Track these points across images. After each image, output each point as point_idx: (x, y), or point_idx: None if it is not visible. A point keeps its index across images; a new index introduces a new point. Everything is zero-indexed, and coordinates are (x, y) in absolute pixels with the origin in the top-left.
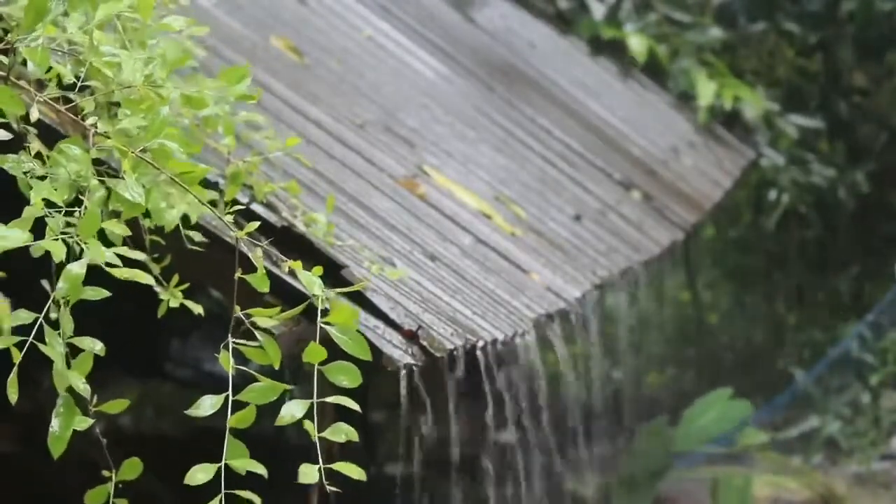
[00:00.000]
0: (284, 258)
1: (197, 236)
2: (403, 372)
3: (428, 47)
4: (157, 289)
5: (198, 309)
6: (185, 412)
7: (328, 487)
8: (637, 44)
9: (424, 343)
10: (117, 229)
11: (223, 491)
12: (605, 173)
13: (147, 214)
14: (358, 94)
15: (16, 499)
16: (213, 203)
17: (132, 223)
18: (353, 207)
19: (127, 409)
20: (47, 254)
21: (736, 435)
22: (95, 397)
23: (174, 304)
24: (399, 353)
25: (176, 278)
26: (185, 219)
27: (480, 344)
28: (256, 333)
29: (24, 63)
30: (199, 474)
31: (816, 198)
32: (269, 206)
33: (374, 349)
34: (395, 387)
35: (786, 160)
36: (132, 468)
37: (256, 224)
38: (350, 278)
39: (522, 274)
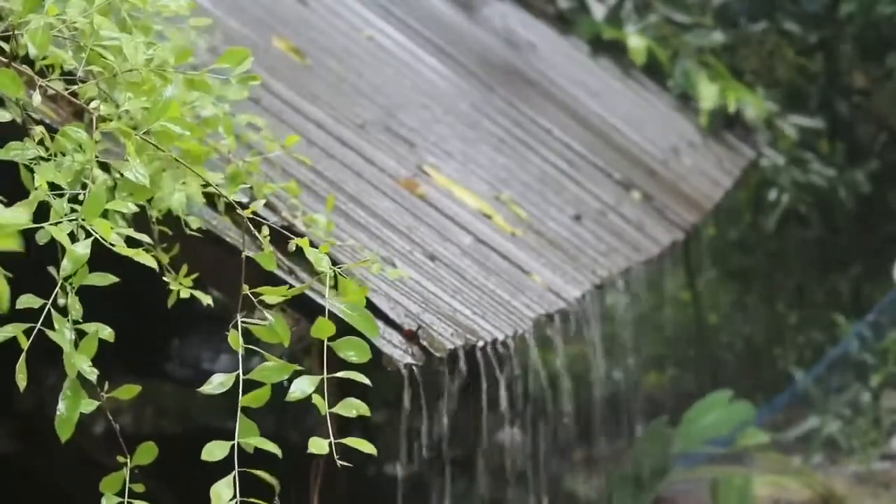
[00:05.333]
0: (289, 242)
1: (196, 222)
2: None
3: (428, 47)
4: (166, 278)
5: (207, 299)
6: (198, 390)
7: (339, 462)
8: (637, 44)
9: (424, 343)
10: (124, 208)
11: (237, 469)
12: (605, 173)
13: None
14: (358, 94)
15: (16, 499)
16: (212, 201)
17: (138, 215)
18: (353, 207)
19: (127, 408)
20: (55, 246)
21: (736, 435)
22: (107, 384)
23: (184, 294)
24: (399, 353)
25: (185, 269)
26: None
27: (480, 344)
28: (265, 312)
29: (26, 52)
30: (216, 451)
31: (816, 198)
32: (269, 206)
33: (374, 349)
34: (396, 386)
35: (786, 160)
36: (147, 453)
37: (262, 202)
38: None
39: (522, 274)
